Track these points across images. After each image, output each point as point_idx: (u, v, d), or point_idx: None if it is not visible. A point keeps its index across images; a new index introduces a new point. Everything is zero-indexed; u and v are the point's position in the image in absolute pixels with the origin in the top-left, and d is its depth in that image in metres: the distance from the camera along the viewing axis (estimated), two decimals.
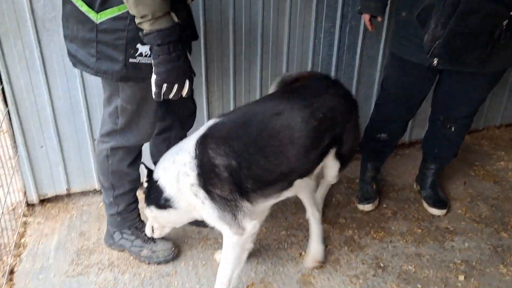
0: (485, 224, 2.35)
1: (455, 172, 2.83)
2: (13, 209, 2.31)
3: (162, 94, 1.51)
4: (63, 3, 1.59)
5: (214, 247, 2.16)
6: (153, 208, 1.84)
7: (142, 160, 1.94)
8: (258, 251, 2.14)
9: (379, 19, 2.29)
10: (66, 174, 2.44)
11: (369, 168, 2.58)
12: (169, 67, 1.47)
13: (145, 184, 1.85)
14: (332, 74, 2.75)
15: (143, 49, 1.54)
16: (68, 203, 2.49)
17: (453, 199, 2.56)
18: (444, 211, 2.42)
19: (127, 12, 1.44)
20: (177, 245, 2.13)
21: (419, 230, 2.30)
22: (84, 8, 1.49)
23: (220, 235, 2.22)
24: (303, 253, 2.13)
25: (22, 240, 2.19)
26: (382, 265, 2.06)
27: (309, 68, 2.68)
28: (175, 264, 2.05)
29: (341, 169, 1.99)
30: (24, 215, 2.36)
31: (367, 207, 2.46)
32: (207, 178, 1.65)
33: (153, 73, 1.50)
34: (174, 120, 2.05)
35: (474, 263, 2.07)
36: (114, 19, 1.49)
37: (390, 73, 2.34)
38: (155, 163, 2.16)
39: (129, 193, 2.02)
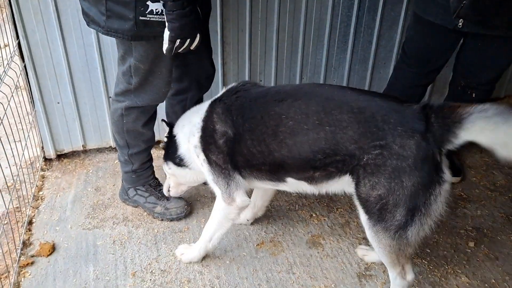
0: (499, 192, 2.32)
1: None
2: (31, 163, 2.37)
3: (173, 48, 1.51)
4: None
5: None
6: (171, 165, 1.88)
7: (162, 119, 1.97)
8: (269, 212, 2.16)
9: None
10: (82, 130, 2.47)
11: None
12: (183, 22, 1.45)
13: (165, 139, 1.88)
14: (351, 36, 2.68)
15: (153, 6, 1.52)
16: (85, 159, 2.54)
17: (468, 167, 2.53)
18: (458, 178, 2.39)
19: None
20: (190, 203, 2.16)
21: None
22: None
23: None
24: (313, 215, 2.15)
25: (40, 193, 2.26)
26: None
27: (326, 31, 2.61)
28: (187, 221, 2.09)
29: (368, 221, 1.47)
30: (42, 169, 2.42)
31: None
32: (207, 142, 1.66)
33: (166, 29, 1.49)
34: (191, 82, 2.04)
35: (485, 230, 2.07)
36: None
37: (412, 35, 2.27)
38: (169, 124, 2.20)
39: (144, 152, 2.05)
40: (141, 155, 2.05)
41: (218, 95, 1.72)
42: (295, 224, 2.10)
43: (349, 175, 1.47)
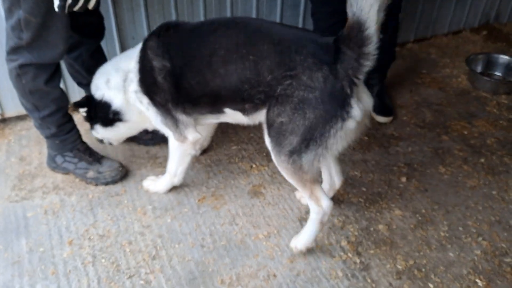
0: (428, 128, 2.44)
1: (402, 81, 2.87)
2: None
3: (67, 7, 1.37)
4: None
5: (164, 164, 2.12)
6: (99, 128, 1.81)
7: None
8: (209, 166, 2.14)
9: None
10: None
11: None
12: None
13: (84, 114, 1.81)
14: None
15: None
16: (4, 128, 2.34)
17: (399, 107, 2.62)
18: (390, 118, 2.48)
19: None
20: (124, 165, 2.08)
21: (366, 138, 2.35)
22: None
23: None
24: (253, 166, 2.15)
25: None
26: None
27: None
28: (124, 184, 2.01)
29: (270, 144, 1.52)
30: None
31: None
32: (147, 83, 1.63)
33: None
34: (82, 34, 1.89)
35: (415, 165, 2.17)
36: None
37: None
38: (79, 83, 2.08)
39: (57, 113, 1.88)
40: (54, 117, 1.88)
41: (149, 34, 1.66)
42: (236, 177, 2.09)
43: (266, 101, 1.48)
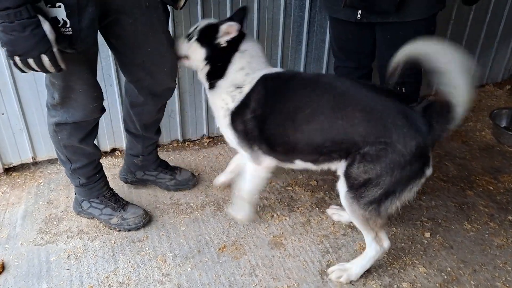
0: (451, 183, 2.41)
1: None
2: None
3: (19, 67, 1.35)
4: None
5: (186, 212, 2.15)
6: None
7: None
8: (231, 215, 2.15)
9: None
10: (30, 141, 2.36)
11: None
12: (12, 38, 1.27)
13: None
14: (304, 35, 2.70)
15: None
16: (35, 172, 2.42)
17: None
18: None
19: None
20: (148, 211, 2.11)
21: None
22: None
23: (191, 199, 2.23)
24: (274, 216, 2.15)
25: None
26: (352, 224, 2.09)
27: (280, 31, 2.62)
28: (146, 230, 2.03)
29: (347, 193, 1.62)
30: None
31: None
32: (239, 114, 1.77)
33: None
34: (146, 96, 1.93)
35: (440, 220, 2.13)
36: None
37: (331, 34, 2.41)
38: (126, 130, 2.14)
39: (88, 166, 1.94)
40: (85, 169, 1.93)
41: (264, 73, 1.76)
42: (257, 226, 2.09)
43: (346, 159, 1.62)
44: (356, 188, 1.59)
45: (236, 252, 1.93)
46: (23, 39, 1.28)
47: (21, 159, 2.39)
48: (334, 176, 2.42)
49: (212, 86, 1.85)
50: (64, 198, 2.22)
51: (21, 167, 2.43)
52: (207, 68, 1.83)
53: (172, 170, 2.31)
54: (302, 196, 2.29)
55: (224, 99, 1.80)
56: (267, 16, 2.55)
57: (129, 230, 2.01)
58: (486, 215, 2.17)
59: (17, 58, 1.32)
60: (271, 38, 2.64)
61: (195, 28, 1.84)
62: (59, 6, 1.35)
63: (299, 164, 1.78)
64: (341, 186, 1.65)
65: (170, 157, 2.59)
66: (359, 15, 2.07)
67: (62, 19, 1.37)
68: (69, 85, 1.63)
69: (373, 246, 1.73)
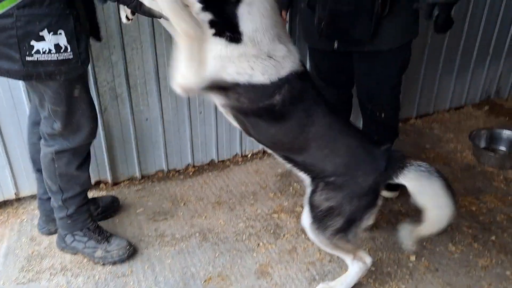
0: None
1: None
2: None
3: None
4: None
5: (172, 243, 2.14)
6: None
7: None
8: (216, 245, 2.14)
9: (284, 13, 2.40)
10: (13, 177, 2.34)
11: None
12: None
13: None
14: None
15: (39, 46, 1.48)
16: (18, 208, 2.40)
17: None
18: (396, 193, 2.49)
19: (12, 8, 1.41)
20: (132, 244, 2.09)
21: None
22: None
23: (177, 230, 2.22)
24: (260, 244, 2.14)
25: None
26: None
27: None
28: (131, 264, 2.01)
29: (312, 225, 1.70)
30: None
31: None
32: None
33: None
34: None
35: (424, 243, 2.15)
36: (1, 17, 1.42)
37: (311, 63, 2.49)
38: (38, 170, 2.02)
39: (79, 195, 1.96)
40: (76, 199, 1.95)
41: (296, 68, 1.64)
42: (243, 255, 2.08)
43: (310, 180, 1.71)
44: (319, 218, 1.66)
45: (222, 283, 1.92)
46: None
47: (4, 195, 2.36)
48: None
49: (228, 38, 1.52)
50: (47, 234, 2.19)
51: (3, 204, 2.40)
52: (207, 16, 1.51)
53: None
54: (288, 223, 2.30)
55: (251, 64, 1.55)
56: None
57: (113, 263, 1.99)
58: (470, 236, 2.20)
59: None
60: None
61: None
62: (60, 33, 1.48)
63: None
64: (306, 218, 1.71)
65: (155, 188, 2.59)
66: (335, 45, 2.13)
67: (64, 45, 1.51)
68: (71, 108, 1.70)
69: (355, 264, 1.82)
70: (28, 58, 1.49)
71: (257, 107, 1.58)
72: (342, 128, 1.69)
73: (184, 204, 2.45)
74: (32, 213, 2.35)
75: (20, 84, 2.13)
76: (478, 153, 2.89)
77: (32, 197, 2.43)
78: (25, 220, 2.30)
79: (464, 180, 2.66)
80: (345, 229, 1.67)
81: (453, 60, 3.40)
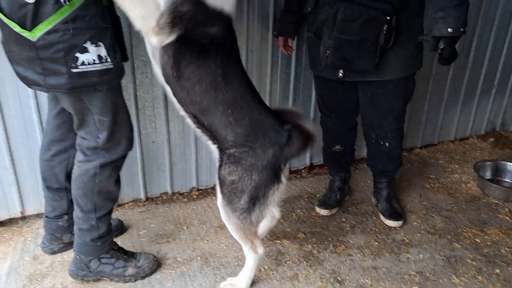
0: (439, 235, 2.42)
1: (411, 185, 2.92)
2: None
3: None
4: (1, 28, 1.56)
5: (173, 266, 2.13)
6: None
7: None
8: (218, 269, 2.13)
9: (290, 42, 2.49)
10: (20, 195, 2.37)
11: (336, 179, 2.71)
12: None
13: None
14: (291, 90, 2.81)
15: (84, 57, 1.55)
16: (23, 226, 2.41)
17: (408, 212, 2.63)
18: (400, 222, 2.48)
19: (58, 23, 1.48)
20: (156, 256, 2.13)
21: (376, 243, 2.34)
22: (17, 29, 1.48)
23: (178, 253, 2.22)
24: (261, 270, 2.13)
25: None
26: (339, 279, 2.08)
27: (268, 85, 2.73)
28: (132, 286, 2.00)
29: (222, 201, 1.82)
30: None
31: (323, 211, 2.59)
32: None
33: None
34: (75, 140, 1.93)
35: (428, 274, 2.13)
36: (48, 33, 1.49)
37: (316, 91, 2.54)
38: (48, 187, 2.07)
39: (109, 213, 1.96)
40: (107, 217, 1.95)
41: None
42: None
43: (218, 152, 1.80)
44: (226, 194, 1.77)
45: None
46: None
47: (9, 213, 2.39)
48: (322, 228, 2.45)
49: None
50: (50, 253, 2.20)
51: (9, 222, 2.42)
52: None
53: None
54: (290, 249, 2.29)
55: None
56: (255, 71, 2.66)
57: (144, 277, 2.01)
58: (474, 268, 2.17)
59: None
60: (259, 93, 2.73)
61: None
62: (100, 45, 1.57)
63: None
64: (218, 196, 1.82)
65: (159, 210, 2.60)
66: (340, 74, 2.18)
67: (104, 55, 1.60)
68: (115, 118, 1.76)
69: (251, 255, 1.92)
70: (74, 70, 1.55)
71: (194, 33, 1.60)
72: (253, 101, 1.77)
73: (187, 227, 2.46)
74: (36, 231, 2.36)
75: (32, 103, 2.19)
76: (483, 185, 2.89)
77: (37, 215, 2.45)
78: (28, 239, 2.31)
79: (468, 212, 2.65)
80: (249, 208, 1.77)
81: (458, 92, 3.43)
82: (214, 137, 1.78)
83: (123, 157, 1.90)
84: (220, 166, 1.77)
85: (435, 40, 1.96)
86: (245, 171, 1.72)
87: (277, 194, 1.80)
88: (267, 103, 2.71)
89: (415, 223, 2.53)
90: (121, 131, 1.82)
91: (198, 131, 1.82)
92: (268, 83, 2.73)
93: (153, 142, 2.57)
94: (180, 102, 1.76)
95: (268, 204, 1.78)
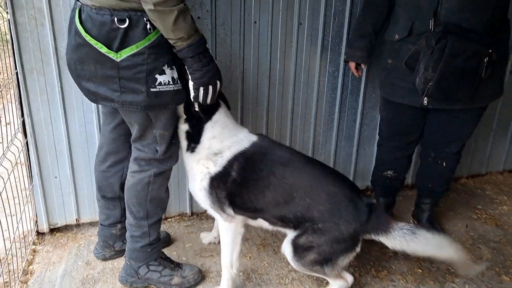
0: (486, 266, 2.35)
1: (457, 215, 2.86)
2: (24, 237, 2.39)
3: (199, 97, 1.73)
4: (77, 46, 1.69)
5: (216, 280, 2.19)
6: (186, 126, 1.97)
7: None
8: (259, 286, 2.17)
9: (363, 66, 2.55)
10: (77, 204, 2.53)
11: (381, 203, 2.72)
12: (202, 72, 1.69)
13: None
14: (336, 114, 2.86)
15: (161, 78, 1.70)
16: (77, 233, 2.56)
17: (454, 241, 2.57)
18: None
19: (145, 47, 1.63)
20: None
21: (420, 270, 2.31)
22: (103, 49, 1.63)
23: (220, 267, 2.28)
24: None
25: (30, 267, 2.26)
26: None
27: (313, 110, 2.80)
28: None
29: (294, 258, 1.95)
30: (34, 243, 2.44)
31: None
32: (219, 180, 1.93)
33: (190, 80, 1.73)
34: (129, 151, 2.08)
35: None
36: (134, 55, 1.63)
37: (385, 116, 2.54)
38: (103, 197, 2.20)
39: (159, 221, 2.08)
40: (158, 224, 2.07)
41: (245, 147, 1.97)
42: None
43: (297, 229, 1.93)
44: (299, 253, 1.91)
45: None
46: (208, 71, 1.70)
47: (66, 220, 2.55)
48: (365, 252, 2.43)
49: (190, 149, 1.99)
50: (101, 260, 2.32)
51: (64, 228, 2.57)
52: (186, 127, 1.97)
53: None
54: None
55: (204, 164, 1.95)
56: (301, 96, 2.74)
57: None
58: None
59: (201, 89, 1.72)
60: (304, 116, 2.81)
61: None
62: (173, 68, 1.74)
63: (260, 223, 2.05)
64: (287, 252, 1.95)
65: (204, 225, 2.69)
66: (425, 102, 2.19)
67: (176, 78, 1.76)
68: (173, 133, 1.93)
69: (337, 282, 2.02)
70: (152, 90, 1.70)
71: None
72: (318, 177, 1.94)
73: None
74: (89, 239, 2.50)
75: (94, 119, 2.36)
76: None
77: (91, 224, 2.60)
78: (82, 245, 2.45)
79: None
80: (322, 264, 1.91)
81: (508, 123, 3.36)
82: (298, 222, 1.92)
83: (171, 168, 2.03)
84: (300, 235, 1.91)
85: None
86: (326, 242, 1.87)
87: (348, 259, 1.95)
88: (312, 127, 2.83)
89: None
90: (175, 142, 1.96)
91: (280, 229, 2.02)
92: (313, 107, 2.80)
93: None
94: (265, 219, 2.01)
95: (339, 264, 1.93)
